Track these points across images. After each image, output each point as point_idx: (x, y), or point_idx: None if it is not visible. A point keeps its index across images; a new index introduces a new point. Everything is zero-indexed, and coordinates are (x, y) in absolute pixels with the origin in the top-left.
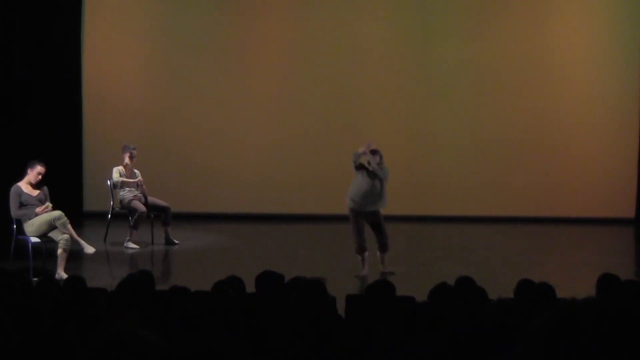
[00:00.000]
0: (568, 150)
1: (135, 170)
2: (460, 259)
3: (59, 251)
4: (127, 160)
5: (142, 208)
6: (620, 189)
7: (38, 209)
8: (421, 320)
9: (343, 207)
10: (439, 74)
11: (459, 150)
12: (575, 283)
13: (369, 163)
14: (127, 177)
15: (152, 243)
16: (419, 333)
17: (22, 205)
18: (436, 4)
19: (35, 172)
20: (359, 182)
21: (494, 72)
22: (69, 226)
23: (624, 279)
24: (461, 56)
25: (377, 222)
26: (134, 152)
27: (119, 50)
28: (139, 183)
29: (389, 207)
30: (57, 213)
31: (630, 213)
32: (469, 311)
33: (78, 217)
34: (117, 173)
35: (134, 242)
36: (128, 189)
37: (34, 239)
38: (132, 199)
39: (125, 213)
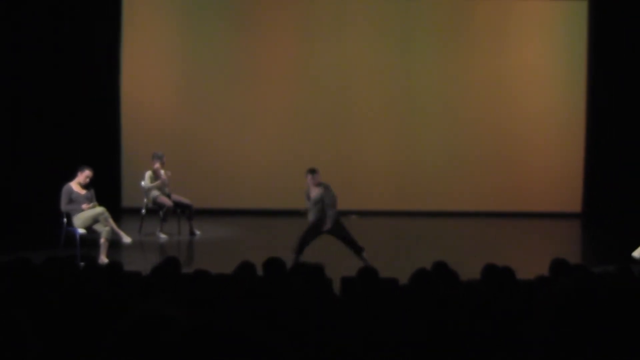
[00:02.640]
0: (526, 156)
1: (162, 172)
2: (435, 248)
3: (102, 240)
4: (157, 165)
5: (169, 203)
6: (569, 189)
7: (84, 206)
8: (404, 298)
9: (340, 202)
10: (417, 91)
11: (434, 155)
12: (531, 266)
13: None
14: (156, 180)
15: (179, 234)
16: (402, 309)
17: (71, 201)
18: (416, 33)
19: (84, 175)
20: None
21: (464, 89)
22: (110, 220)
23: (573, 263)
24: (436, 76)
25: (341, 234)
26: (164, 158)
27: (152, 68)
28: (167, 177)
29: (376, 203)
30: (101, 209)
31: (577, 208)
32: (444, 291)
33: (117, 212)
34: (148, 179)
35: (164, 233)
36: (157, 188)
37: (81, 231)
38: (160, 196)
39: (156, 208)
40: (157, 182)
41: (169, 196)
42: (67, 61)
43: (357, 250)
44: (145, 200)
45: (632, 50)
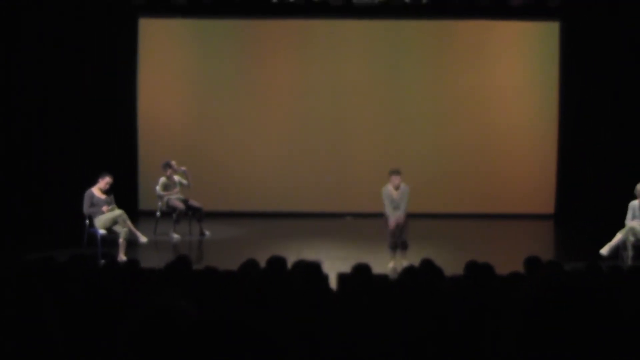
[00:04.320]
0: (504, 163)
1: (175, 177)
2: (422, 246)
3: (120, 240)
4: (169, 172)
5: (182, 206)
6: (543, 192)
7: (104, 209)
8: (395, 292)
9: (333, 205)
10: (405, 106)
11: (421, 162)
12: (507, 263)
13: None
14: (169, 184)
15: (190, 234)
16: (394, 302)
17: (93, 205)
18: (403, 54)
19: (104, 181)
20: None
21: (447, 103)
22: (128, 221)
23: (545, 260)
24: (422, 92)
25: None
26: (171, 162)
27: (166, 83)
28: (183, 173)
29: (368, 206)
30: (119, 212)
31: (551, 210)
32: (432, 285)
33: (134, 214)
34: (161, 186)
35: (176, 233)
36: (170, 192)
37: (102, 231)
38: (173, 200)
39: (169, 211)
40: (169, 192)
41: (185, 201)
42: (89, 77)
43: (403, 246)
44: (159, 203)
45: (598, 67)
